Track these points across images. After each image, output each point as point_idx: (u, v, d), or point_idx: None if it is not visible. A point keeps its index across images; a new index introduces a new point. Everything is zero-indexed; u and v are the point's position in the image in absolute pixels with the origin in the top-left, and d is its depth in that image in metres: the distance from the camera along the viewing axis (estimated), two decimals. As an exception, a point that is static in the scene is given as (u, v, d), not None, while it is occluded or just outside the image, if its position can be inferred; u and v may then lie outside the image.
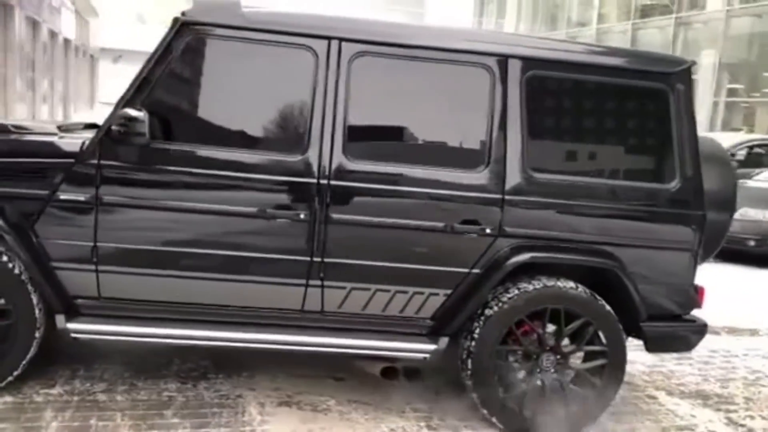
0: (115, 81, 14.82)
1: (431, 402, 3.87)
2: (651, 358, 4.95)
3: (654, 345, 3.75)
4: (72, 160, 3.31)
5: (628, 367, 4.66)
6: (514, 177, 3.50)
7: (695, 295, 3.74)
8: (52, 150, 3.38)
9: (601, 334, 3.59)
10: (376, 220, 3.46)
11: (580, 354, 3.76)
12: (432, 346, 3.56)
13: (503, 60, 3.50)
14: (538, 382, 3.60)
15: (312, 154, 3.39)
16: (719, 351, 5.32)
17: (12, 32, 16.36)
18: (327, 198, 3.40)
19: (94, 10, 30.62)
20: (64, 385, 3.66)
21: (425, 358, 3.58)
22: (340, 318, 3.56)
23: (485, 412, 3.59)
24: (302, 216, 3.40)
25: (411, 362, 3.78)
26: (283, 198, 3.41)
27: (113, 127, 3.25)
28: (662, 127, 3.65)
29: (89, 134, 3.53)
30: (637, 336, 3.74)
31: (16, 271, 3.29)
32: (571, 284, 3.56)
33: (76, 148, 3.33)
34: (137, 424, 3.34)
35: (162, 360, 4.09)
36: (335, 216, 3.42)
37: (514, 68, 3.50)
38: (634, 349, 4.78)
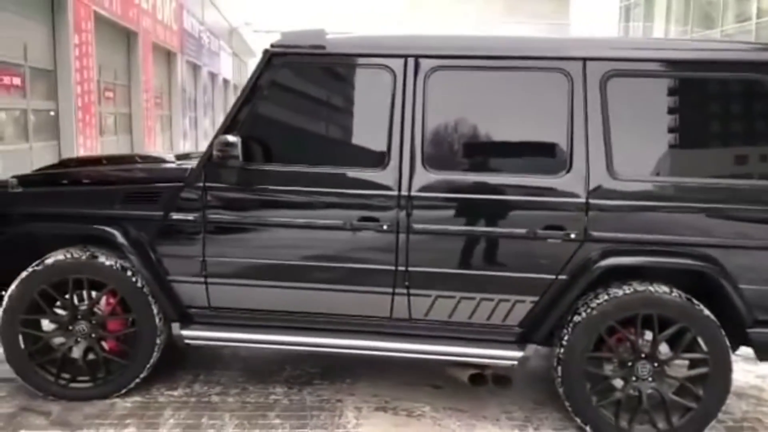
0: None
1: (528, 410, 3.86)
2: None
3: (764, 352, 3.49)
4: (181, 184, 3.70)
5: (759, 382, 4.39)
6: (597, 180, 3.44)
7: None
8: (164, 176, 3.80)
9: (700, 341, 3.41)
10: (455, 228, 3.55)
11: (685, 363, 3.59)
12: (519, 353, 3.56)
13: (581, 62, 3.48)
14: (634, 391, 3.48)
15: (393, 167, 3.55)
16: None
17: (175, 77, 18.09)
18: (409, 209, 3.54)
19: (252, 51, 32.97)
20: (185, 387, 4.05)
21: (513, 365, 3.58)
22: (428, 325, 3.67)
23: (578, 420, 3.52)
24: (385, 227, 3.56)
25: (500, 369, 3.77)
26: (368, 210, 3.59)
27: (214, 153, 3.60)
28: (763, 120, 3.43)
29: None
30: (746, 344, 3.51)
31: (139, 284, 3.72)
32: (665, 288, 3.42)
33: (185, 174, 3.73)
34: (242, 423, 3.63)
35: (274, 367, 4.39)
36: (417, 226, 3.55)
37: (593, 70, 3.47)
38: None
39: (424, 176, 3.54)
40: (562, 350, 3.49)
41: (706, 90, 3.53)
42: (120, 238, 3.70)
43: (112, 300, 3.79)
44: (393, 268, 3.60)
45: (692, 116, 3.56)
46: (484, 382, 3.80)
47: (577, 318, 3.47)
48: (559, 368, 3.50)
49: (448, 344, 3.63)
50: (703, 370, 3.43)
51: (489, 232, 3.54)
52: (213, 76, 24.16)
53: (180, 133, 18.35)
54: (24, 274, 3.70)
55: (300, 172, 3.62)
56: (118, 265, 3.72)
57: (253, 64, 35.54)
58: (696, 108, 3.56)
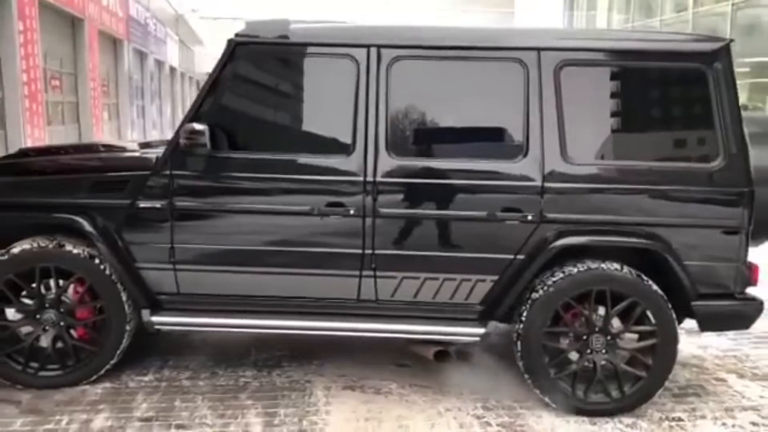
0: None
1: (489, 384, 4.04)
2: (726, 343, 4.89)
3: (706, 324, 3.75)
4: (148, 172, 3.75)
5: (701, 352, 4.68)
6: (552, 165, 3.62)
7: (748, 273, 3.71)
8: (130, 164, 3.83)
9: (649, 314, 3.64)
10: (419, 212, 3.69)
11: (634, 336, 3.82)
12: (481, 330, 3.74)
13: (536, 52, 3.65)
14: (589, 363, 3.70)
15: (358, 154, 3.66)
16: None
17: (122, 64, 17.73)
18: (374, 194, 3.67)
19: (199, 38, 32.44)
20: (155, 373, 4.11)
21: (475, 341, 3.76)
22: (394, 306, 3.81)
23: (537, 392, 3.72)
24: (352, 212, 3.67)
25: (462, 346, 3.94)
26: (335, 196, 3.70)
27: (181, 141, 3.65)
28: (702, 107, 3.67)
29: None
30: (690, 315, 3.76)
31: (107, 272, 3.76)
32: (616, 266, 3.64)
33: (151, 162, 3.77)
34: (215, 405, 3.71)
35: (242, 351, 4.48)
36: (382, 210, 3.68)
37: (547, 60, 3.64)
38: (710, 335, 4.79)
39: (389, 162, 3.66)
40: (521, 326, 3.68)
41: (650, 78, 3.74)
42: (87, 227, 3.72)
43: (80, 288, 3.81)
44: (360, 251, 3.72)
45: (637, 103, 3.78)
46: (448, 359, 3.97)
47: (534, 295, 3.66)
48: (519, 343, 3.69)
49: (413, 323, 3.78)
50: (651, 341, 3.66)
51: (451, 215, 3.69)
52: (160, 63, 23.74)
53: (128, 122, 18.03)
54: (-9, 264, 3.70)
55: (267, 160, 3.70)
56: (85, 253, 3.74)
57: (200, 51, 35.01)
58: (641, 95, 3.78)
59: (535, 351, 3.67)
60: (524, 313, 3.67)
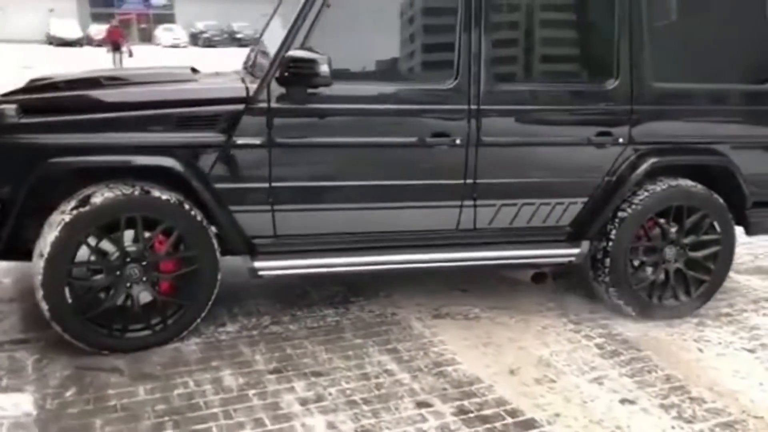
0: None
1: (558, 300, 4.27)
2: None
3: (755, 229, 4.21)
4: (242, 106, 3.39)
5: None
6: (640, 88, 3.80)
7: None
8: (218, 96, 3.43)
9: (716, 225, 4.03)
10: (520, 139, 3.73)
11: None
12: (576, 250, 3.92)
13: None
14: (662, 273, 4.04)
15: (462, 80, 3.58)
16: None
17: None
18: (478, 122, 3.63)
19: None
20: (233, 323, 3.84)
21: (570, 261, 3.94)
22: (491, 233, 3.86)
23: (621, 302, 4.00)
24: (458, 141, 3.62)
25: (556, 266, 4.09)
26: (440, 126, 3.61)
27: (283, 70, 3.33)
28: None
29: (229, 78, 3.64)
30: (739, 223, 4.20)
31: (198, 218, 3.40)
32: (691, 183, 3.95)
33: (244, 93, 3.40)
34: (328, 347, 3.58)
35: (298, 291, 4.30)
36: (486, 139, 3.66)
37: None
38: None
39: (492, 87, 3.62)
40: (609, 244, 3.90)
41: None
42: (180, 168, 3.32)
43: (164, 238, 3.41)
44: (462, 181, 3.70)
45: (715, 25, 4.02)
46: (544, 280, 4.12)
47: (622, 214, 3.89)
48: (607, 260, 3.92)
49: (512, 249, 3.87)
50: (716, 248, 4.07)
51: (550, 140, 3.77)
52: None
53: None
54: (66, 217, 3.18)
55: (372, 89, 3.53)
56: (175, 199, 3.34)
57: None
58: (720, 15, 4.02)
59: (622, 265, 3.93)
60: (612, 231, 3.90)
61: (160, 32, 45.96)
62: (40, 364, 3.30)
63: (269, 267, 3.55)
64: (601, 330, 3.91)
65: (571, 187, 3.87)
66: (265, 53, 3.78)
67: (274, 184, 3.49)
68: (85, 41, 42.41)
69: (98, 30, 43.23)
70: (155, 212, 3.33)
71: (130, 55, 22.10)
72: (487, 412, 3.04)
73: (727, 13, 4.02)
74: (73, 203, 3.22)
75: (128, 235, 3.36)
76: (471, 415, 3.01)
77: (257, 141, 3.41)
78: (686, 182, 3.95)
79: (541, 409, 3.08)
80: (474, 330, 3.85)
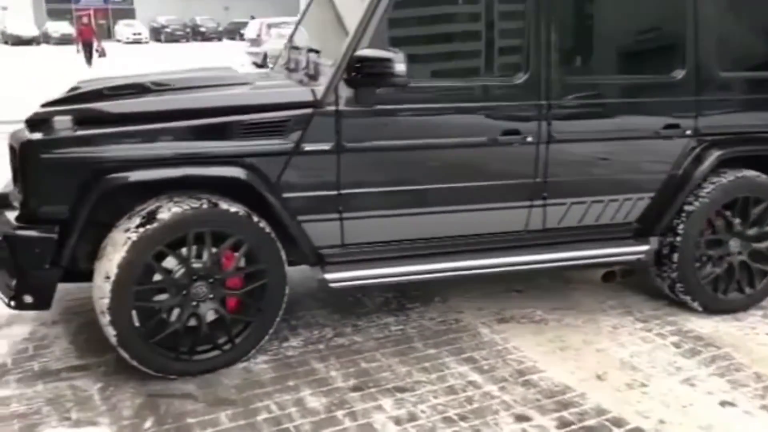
0: None
1: (616, 299, 4.17)
2: None
3: None
4: (310, 110, 3.20)
5: None
6: (707, 77, 3.71)
7: None
8: (290, 101, 3.23)
9: (776, 215, 3.97)
10: (591, 135, 3.61)
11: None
12: (645, 247, 3.82)
13: None
14: (726, 265, 3.96)
15: (533, 75, 3.44)
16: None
17: None
18: (549, 118, 3.50)
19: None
20: (295, 336, 3.65)
21: (639, 258, 3.83)
22: (559, 233, 3.73)
23: (688, 297, 3.92)
24: (530, 139, 3.48)
25: (625, 264, 3.98)
26: (510, 123, 3.47)
27: (350, 71, 3.15)
28: None
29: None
30: None
31: (267, 230, 3.20)
32: (755, 173, 3.88)
33: (310, 97, 3.22)
34: (402, 360, 3.42)
35: (350, 299, 4.13)
36: (557, 135, 3.53)
37: None
38: None
39: (563, 81, 3.49)
40: (677, 238, 3.81)
41: None
42: (249, 179, 3.12)
43: (231, 253, 3.21)
44: (532, 180, 3.57)
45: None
46: (613, 278, 4.01)
47: (689, 207, 3.80)
48: (675, 255, 3.83)
49: (581, 249, 3.75)
50: (782, 240, 4.00)
51: (620, 135, 3.66)
52: None
53: None
54: (132, 235, 2.95)
55: (443, 87, 3.39)
56: (243, 211, 3.14)
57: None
58: None
59: (690, 259, 3.84)
60: (680, 226, 3.80)
61: (121, 28, 45.00)
62: (106, 393, 3.08)
63: (341, 278, 3.36)
64: (671, 327, 3.82)
65: (638, 182, 3.77)
66: (298, 51, 3.61)
67: (342, 191, 3.31)
68: (42, 39, 41.24)
69: (56, 28, 42.13)
70: (224, 226, 3.12)
71: (103, 54, 21.33)
72: (590, 422, 2.92)
73: None
74: (137, 220, 3.00)
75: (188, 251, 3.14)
76: (574, 426, 2.89)
77: (326, 146, 3.23)
78: (751, 173, 3.88)
79: (642, 416, 2.97)
80: (545, 334, 3.73)
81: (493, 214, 3.58)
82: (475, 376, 3.28)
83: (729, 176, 3.83)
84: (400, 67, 3.06)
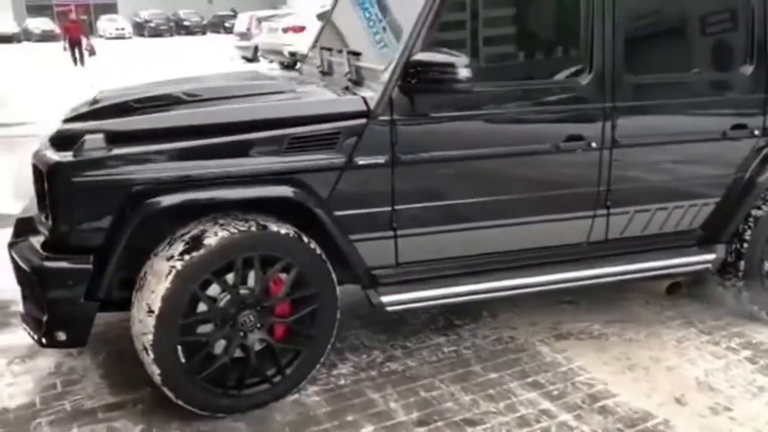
0: None
1: (674, 309, 3.94)
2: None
3: None
4: (363, 120, 2.93)
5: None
6: (777, 75, 3.48)
7: None
8: (341, 111, 2.96)
9: None
10: (657, 138, 3.37)
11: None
12: (712, 255, 3.59)
13: None
14: (793, 272, 3.75)
15: (596, 76, 3.19)
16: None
17: None
18: (614, 121, 3.25)
19: None
20: (344, 363, 3.39)
21: (707, 267, 3.60)
22: (621, 244, 3.50)
23: (755, 306, 3.70)
24: (594, 144, 3.24)
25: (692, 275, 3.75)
26: (573, 128, 3.22)
27: (407, 77, 2.89)
28: None
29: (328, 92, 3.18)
30: None
31: (318, 252, 2.94)
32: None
33: (363, 106, 2.94)
34: (464, 386, 3.17)
35: (394, 317, 3.86)
36: (621, 140, 3.29)
37: None
38: None
39: (627, 81, 3.24)
40: (744, 245, 3.59)
41: None
42: (300, 198, 2.85)
43: (277, 277, 2.94)
44: (596, 188, 3.33)
45: None
46: (678, 290, 3.79)
47: (756, 212, 3.58)
48: (741, 263, 3.60)
49: (646, 260, 3.51)
50: None
51: (686, 137, 3.43)
52: None
53: None
54: (177, 264, 2.68)
55: (505, 91, 3.13)
56: (293, 233, 2.87)
57: None
58: None
59: (758, 266, 3.63)
60: (747, 232, 3.58)
61: (103, 23, 44.29)
62: (150, 436, 2.81)
63: (398, 301, 3.10)
64: (740, 339, 3.61)
65: (703, 187, 3.54)
66: (330, 53, 3.45)
67: (397, 207, 3.05)
68: (23, 36, 40.45)
69: (36, 24, 41.36)
70: (274, 249, 2.85)
71: (93, 52, 20.70)
72: (683, 455, 2.69)
73: None
74: (180, 246, 2.72)
75: (231, 276, 2.87)
76: (667, 461, 2.66)
77: (381, 160, 2.96)
78: (814, 175, 3.65)
79: (737, 446, 2.75)
80: (609, 351, 3.50)
81: (554, 225, 3.34)
82: (546, 404, 3.03)
83: (794, 179, 3.60)
84: (464, 72, 2.79)
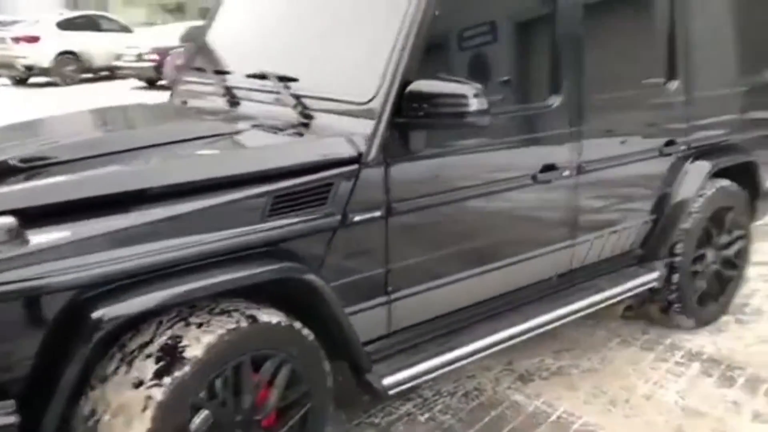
0: None
1: (611, 330, 3.87)
2: None
3: None
4: (355, 167, 2.35)
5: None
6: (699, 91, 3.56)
7: None
8: (330, 158, 2.32)
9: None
10: (617, 162, 3.25)
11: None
12: (657, 273, 3.55)
13: None
14: (705, 280, 3.86)
15: (565, 99, 2.96)
16: None
17: None
18: (580, 146, 3.06)
19: None
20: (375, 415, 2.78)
21: (653, 286, 3.56)
22: (583, 273, 3.33)
23: (683, 317, 3.76)
24: (566, 173, 3.01)
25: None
26: (547, 156, 2.96)
27: (404, 110, 2.38)
28: None
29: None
30: None
31: (311, 338, 2.30)
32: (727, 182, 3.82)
33: (353, 150, 2.36)
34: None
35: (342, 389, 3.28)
36: (587, 167, 3.11)
37: None
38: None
39: (589, 104, 3.06)
40: (677, 258, 3.62)
41: None
42: (298, 273, 2.19)
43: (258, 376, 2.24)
44: (572, 217, 3.12)
45: None
46: (632, 312, 3.69)
47: (684, 225, 3.62)
48: (675, 276, 3.63)
49: (607, 287, 3.36)
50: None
51: (630, 157, 3.36)
52: None
53: None
54: (154, 393, 1.87)
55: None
56: (284, 320, 2.21)
57: None
58: None
59: (689, 278, 3.69)
60: (678, 245, 3.62)
61: None
62: None
63: (400, 380, 2.54)
64: (679, 351, 3.64)
65: (643, 205, 3.50)
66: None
67: (391, 266, 2.52)
68: None
69: None
70: (266, 346, 2.16)
71: None
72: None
73: None
74: (150, 365, 1.91)
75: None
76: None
77: (377, 213, 2.41)
78: (725, 182, 3.81)
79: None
80: (580, 387, 3.30)
81: (532, 263, 3.05)
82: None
83: (713, 186, 3.72)
84: (477, 104, 2.33)
